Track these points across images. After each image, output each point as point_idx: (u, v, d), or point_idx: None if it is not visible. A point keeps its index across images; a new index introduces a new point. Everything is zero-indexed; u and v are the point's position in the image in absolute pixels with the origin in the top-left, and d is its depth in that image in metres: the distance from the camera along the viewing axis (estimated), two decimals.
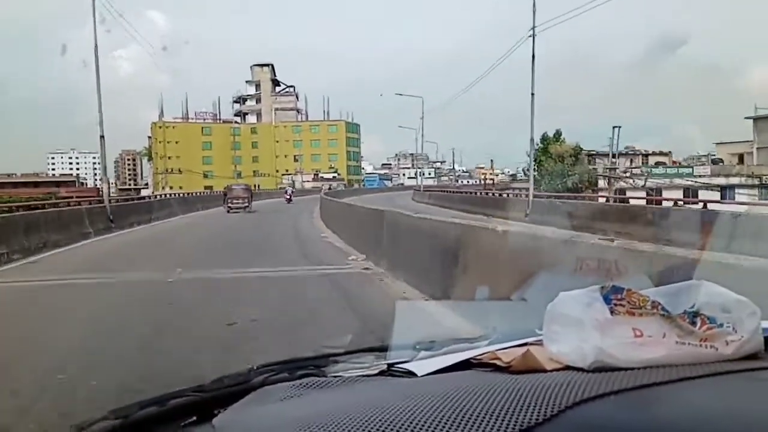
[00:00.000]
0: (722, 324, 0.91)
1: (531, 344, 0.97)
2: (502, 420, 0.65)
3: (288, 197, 46.31)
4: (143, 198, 35.22)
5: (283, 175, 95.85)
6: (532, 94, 26.60)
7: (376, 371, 1.05)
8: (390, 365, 1.06)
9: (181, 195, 39.60)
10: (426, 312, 5.48)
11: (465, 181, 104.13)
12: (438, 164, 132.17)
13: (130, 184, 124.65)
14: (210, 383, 1.05)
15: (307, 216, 25.22)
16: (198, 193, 44.44)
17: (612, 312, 0.88)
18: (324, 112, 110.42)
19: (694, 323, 0.91)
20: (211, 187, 66.16)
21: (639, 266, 2.85)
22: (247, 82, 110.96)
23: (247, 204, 31.05)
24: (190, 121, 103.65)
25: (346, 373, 1.05)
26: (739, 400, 0.75)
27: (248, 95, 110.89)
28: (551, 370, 0.85)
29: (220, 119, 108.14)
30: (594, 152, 51.01)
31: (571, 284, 0.99)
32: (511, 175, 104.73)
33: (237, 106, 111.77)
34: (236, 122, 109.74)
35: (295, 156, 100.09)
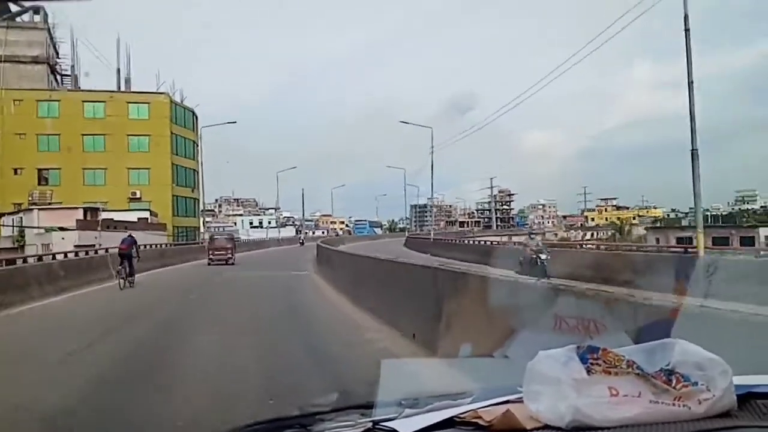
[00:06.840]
0: (696, 382, 0.95)
1: (512, 402, 1.00)
2: None
3: (301, 242, 48.52)
4: None
5: (8, 214, 41.32)
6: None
7: (361, 429, 1.06)
8: (375, 423, 1.07)
9: None
10: (411, 369, 5.39)
11: (312, 232, 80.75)
12: (271, 211, 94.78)
13: None
14: None
15: None
16: None
17: (588, 371, 0.91)
18: (118, 74, 49.97)
19: (669, 381, 0.94)
20: None
21: (617, 323, 2.88)
22: None
23: (230, 256, 27.66)
24: None
25: (331, 431, 1.06)
26: None
27: None
28: (531, 430, 0.87)
29: None
30: None
31: (551, 342, 1.02)
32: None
33: None
34: None
35: (40, 171, 45.35)
